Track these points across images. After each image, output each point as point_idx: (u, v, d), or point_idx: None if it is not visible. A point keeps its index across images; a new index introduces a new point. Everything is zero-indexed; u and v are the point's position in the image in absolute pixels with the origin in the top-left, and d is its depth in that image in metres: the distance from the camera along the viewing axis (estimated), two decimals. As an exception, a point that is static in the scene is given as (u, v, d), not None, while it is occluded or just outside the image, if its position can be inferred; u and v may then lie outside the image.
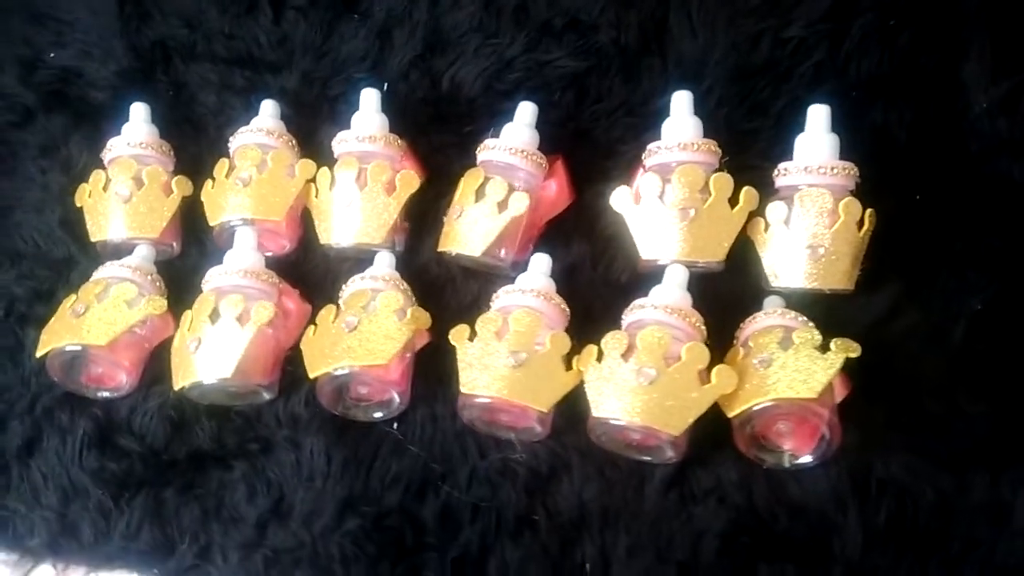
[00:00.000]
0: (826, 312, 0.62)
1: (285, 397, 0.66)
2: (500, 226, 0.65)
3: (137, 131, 0.74)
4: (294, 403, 0.65)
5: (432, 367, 0.65)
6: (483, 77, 0.71)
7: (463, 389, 0.59)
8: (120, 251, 0.73)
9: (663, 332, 0.57)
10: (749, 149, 0.67)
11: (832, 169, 0.62)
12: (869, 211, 0.62)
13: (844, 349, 0.56)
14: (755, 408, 0.56)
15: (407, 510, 0.60)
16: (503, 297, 0.62)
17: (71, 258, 0.76)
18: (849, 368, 0.57)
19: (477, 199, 0.67)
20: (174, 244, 0.75)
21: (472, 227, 0.66)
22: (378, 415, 0.64)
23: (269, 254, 0.72)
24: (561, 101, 0.70)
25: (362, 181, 0.69)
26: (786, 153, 0.64)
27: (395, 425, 0.63)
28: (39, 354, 0.66)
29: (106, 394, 0.68)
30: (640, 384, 0.56)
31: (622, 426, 0.56)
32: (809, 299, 0.63)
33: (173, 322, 0.69)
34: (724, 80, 0.67)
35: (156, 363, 0.69)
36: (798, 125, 0.64)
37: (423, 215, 0.71)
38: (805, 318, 0.61)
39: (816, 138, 0.63)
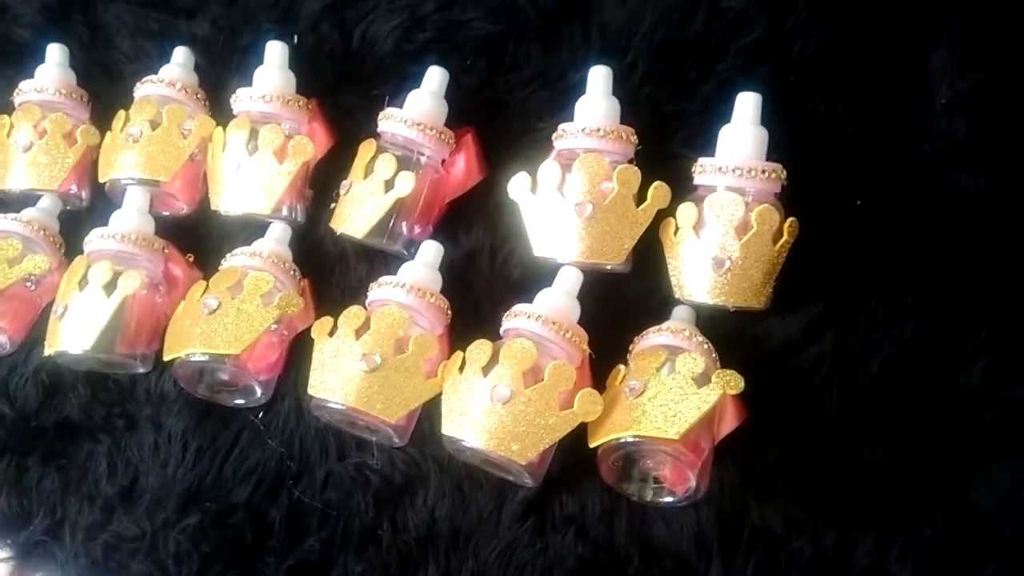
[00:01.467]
0: (737, 330, 0.54)
1: (159, 371, 0.60)
2: (384, 207, 0.58)
3: (49, 75, 0.68)
4: (166, 380, 0.60)
5: (308, 355, 0.58)
6: (394, 35, 0.62)
7: (310, 391, 0.53)
8: (27, 200, 0.68)
9: (527, 347, 0.49)
10: (673, 135, 0.58)
11: (751, 172, 0.52)
12: (790, 221, 0.52)
13: (723, 384, 0.48)
14: (614, 443, 0.48)
15: (254, 508, 0.55)
16: (376, 290, 0.55)
17: (-20, 204, 0.71)
18: (746, 395, 0.49)
19: (366, 175, 0.59)
20: (82, 195, 0.69)
21: (357, 206, 0.59)
22: (240, 402, 0.58)
23: (166, 214, 0.66)
24: (474, 67, 0.62)
25: (253, 145, 0.61)
26: (712, 143, 0.55)
27: (260, 415, 0.58)
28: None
29: (-5, 350, 0.64)
30: (493, 404, 0.49)
31: (468, 448, 0.49)
32: (721, 312, 0.54)
33: (67, 278, 0.64)
34: (650, 55, 0.57)
35: (44, 322, 0.64)
36: (728, 111, 0.54)
37: (328, 184, 0.64)
38: (702, 338, 0.52)
39: (740, 133, 0.53)
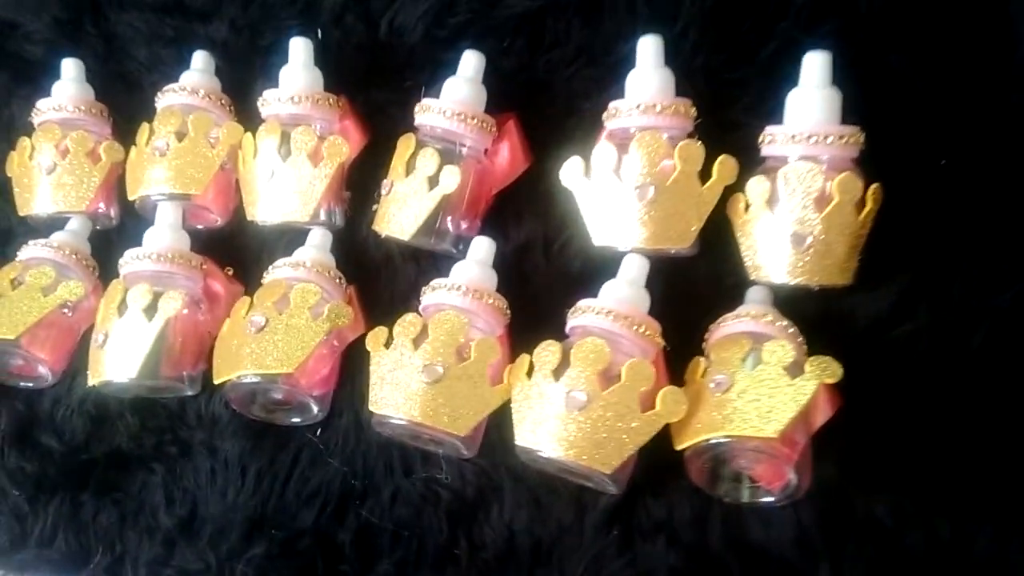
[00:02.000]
0: (821, 308, 0.50)
1: (208, 393, 0.57)
2: (430, 206, 0.54)
3: (66, 92, 0.65)
4: (216, 401, 0.57)
5: (362, 364, 0.54)
6: (423, 21, 0.58)
7: (371, 408, 0.49)
8: (55, 223, 0.65)
9: (600, 346, 0.45)
10: (735, 104, 0.53)
11: (826, 138, 0.47)
12: (873, 187, 0.48)
13: (819, 372, 0.43)
14: (704, 444, 0.44)
15: (322, 532, 0.52)
16: (430, 294, 0.51)
17: (10, 230, 0.68)
18: (838, 380, 0.45)
19: (407, 172, 0.55)
20: (111, 214, 0.65)
21: (401, 206, 0.55)
22: (296, 420, 0.55)
23: (200, 227, 0.63)
24: (512, 48, 0.57)
25: (285, 150, 0.57)
26: (778, 109, 0.50)
27: (317, 432, 0.54)
28: (-52, 347, 0.59)
29: (29, 384, 0.61)
30: (569, 411, 0.45)
31: (548, 459, 0.46)
32: (801, 292, 0.49)
33: (104, 302, 0.60)
34: (702, 19, 0.53)
35: (85, 349, 0.61)
36: (794, 74, 0.49)
37: (366, 184, 0.60)
38: (785, 322, 0.48)
39: (811, 96, 0.49)
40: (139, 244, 0.61)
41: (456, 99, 0.55)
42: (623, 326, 0.47)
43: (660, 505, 0.48)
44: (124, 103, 0.66)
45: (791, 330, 0.48)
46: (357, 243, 0.60)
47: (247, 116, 0.61)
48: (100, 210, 0.65)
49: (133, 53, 0.67)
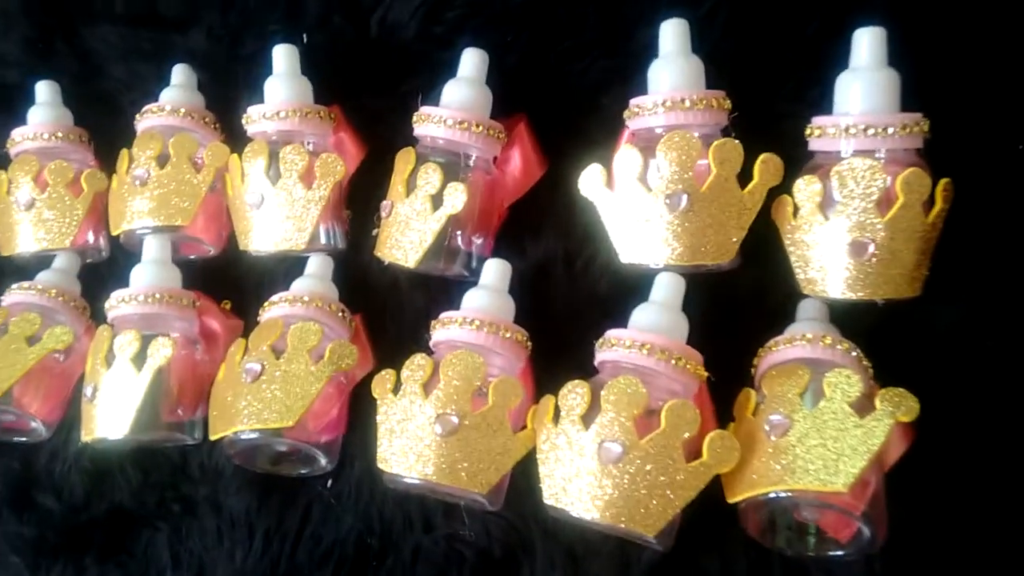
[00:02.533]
0: (881, 324, 0.43)
1: (211, 444, 0.52)
2: (435, 228, 0.48)
3: (42, 117, 0.59)
4: (219, 452, 0.52)
5: (374, 404, 0.49)
6: (417, 17, 0.51)
7: (380, 465, 0.43)
8: (43, 261, 0.60)
9: (635, 387, 0.39)
10: (774, 93, 0.46)
11: (887, 128, 0.40)
12: (943, 183, 0.41)
13: (893, 411, 0.37)
14: (762, 498, 0.38)
15: (337, 599, 0.47)
16: (440, 331, 0.45)
17: (-2, 268, 0.63)
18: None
19: (408, 191, 0.49)
20: (100, 245, 0.60)
21: (404, 230, 0.49)
22: (304, 471, 0.50)
23: (192, 257, 0.57)
24: (517, 42, 0.50)
25: (275, 171, 0.52)
26: (826, 96, 0.43)
27: (328, 484, 0.49)
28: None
29: (23, 440, 0.56)
30: (603, 465, 0.39)
31: (584, 521, 0.40)
32: (860, 306, 0.43)
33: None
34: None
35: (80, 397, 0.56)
36: (843, 55, 0.42)
37: (367, 199, 0.54)
38: (847, 344, 0.41)
39: (864, 79, 0.41)
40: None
41: (458, 104, 0.49)
42: (660, 360, 0.41)
43: (712, 560, 0.42)
44: (104, 125, 0.61)
45: (854, 354, 0.41)
46: (360, 266, 0.54)
47: (234, 134, 0.56)
48: (88, 243, 0.59)
49: (110, 70, 0.61)
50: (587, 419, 0.40)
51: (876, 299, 0.41)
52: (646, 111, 0.44)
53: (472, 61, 0.49)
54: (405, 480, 0.43)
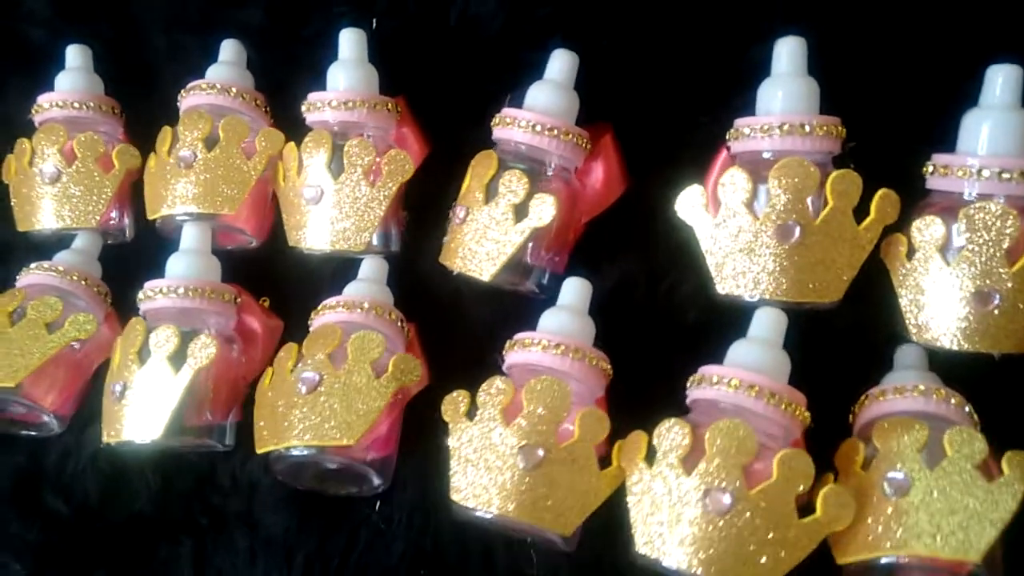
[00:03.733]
0: (987, 380, 0.40)
1: (244, 453, 0.48)
2: (517, 241, 0.44)
3: (72, 84, 0.54)
4: (254, 462, 0.47)
5: (428, 423, 0.45)
6: (504, 12, 0.48)
7: (454, 497, 0.39)
8: (61, 238, 0.55)
9: (746, 433, 0.36)
10: (890, 126, 0.43)
11: (1019, 173, 0.38)
12: (1071, 236, 0.38)
13: (1021, 475, 0.34)
14: (882, 562, 0.35)
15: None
16: (520, 352, 0.42)
17: (8, 243, 0.58)
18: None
19: (488, 198, 0.45)
20: (125, 227, 0.55)
21: (480, 239, 0.45)
22: (352, 491, 0.46)
23: (230, 248, 0.53)
24: (611, 47, 0.47)
25: (337, 165, 0.47)
26: (949, 133, 0.40)
27: (377, 506, 0.45)
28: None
29: (32, 433, 0.51)
30: (708, 515, 0.35)
31: (675, 571, 0.36)
32: (962, 359, 0.40)
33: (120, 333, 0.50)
34: (852, 17, 0.42)
35: (97, 390, 0.51)
36: (973, 91, 0.39)
37: (429, 201, 0.50)
38: (959, 399, 0.38)
39: (998, 120, 0.39)
40: (157, 262, 0.51)
41: (543, 108, 0.45)
42: (769, 404, 0.37)
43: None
44: (139, 99, 0.56)
45: (967, 409, 0.38)
46: (419, 274, 0.50)
47: (283, 120, 0.52)
48: (112, 223, 0.55)
49: (150, 39, 0.56)
50: (687, 463, 0.37)
51: (994, 352, 0.39)
52: (758, 133, 0.41)
53: (562, 63, 0.46)
54: (478, 514, 0.39)
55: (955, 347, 0.39)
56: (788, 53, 0.42)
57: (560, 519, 0.38)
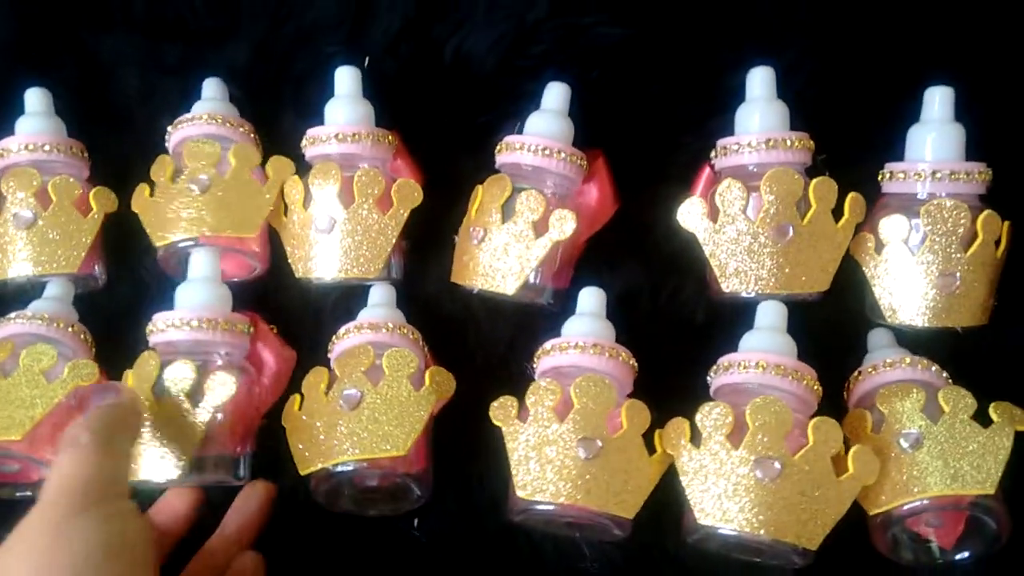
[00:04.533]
0: (950, 350, 0.47)
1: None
2: (539, 255, 0.47)
3: (35, 127, 0.52)
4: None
5: (460, 436, 0.47)
6: (498, 49, 0.51)
7: (521, 493, 0.41)
8: (28, 290, 0.52)
9: (782, 408, 0.40)
10: (847, 139, 0.49)
11: (967, 174, 0.45)
12: (1006, 224, 0.46)
13: (1010, 419, 0.40)
14: (899, 509, 0.40)
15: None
16: (555, 355, 0.44)
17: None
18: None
19: (504, 218, 0.48)
20: (98, 273, 0.53)
21: (501, 256, 0.47)
22: (387, 509, 0.46)
23: (236, 279, 0.52)
24: (600, 80, 0.51)
25: (348, 195, 0.49)
26: (894, 144, 0.47)
27: (415, 522, 0.46)
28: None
29: (27, 494, 0.48)
30: (761, 482, 0.39)
31: (743, 538, 0.40)
32: (927, 335, 0.46)
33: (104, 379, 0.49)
34: (814, 49, 0.49)
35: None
36: (914, 106, 0.47)
37: (427, 231, 0.52)
38: (936, 367, 0.45)
39: (939, 131, 0.46)
40: (130, 306, 0.51)
41: (544, 134, 0.49)
42: (792, 380, 0.42)
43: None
44: (110, 140, 0.55)
45: (945, 375, 0.45)
46: (425, 300, 0.52)
47: (271, 154, 0.52)
48: (93, 271, 0.53)
49: (122, 82, 0.55)
50: (733, 440, 0.41)
51: (957, 327, 0.45)
52: (744, 148, 0.46)
53: (557, 94, 0.50)
54: (540, 508, 0.41)
55: (926, 325, 0.45)
56: (760, 81, 0.47)
57: (623, 503, 0.41)
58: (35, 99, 0.53)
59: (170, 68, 0.55)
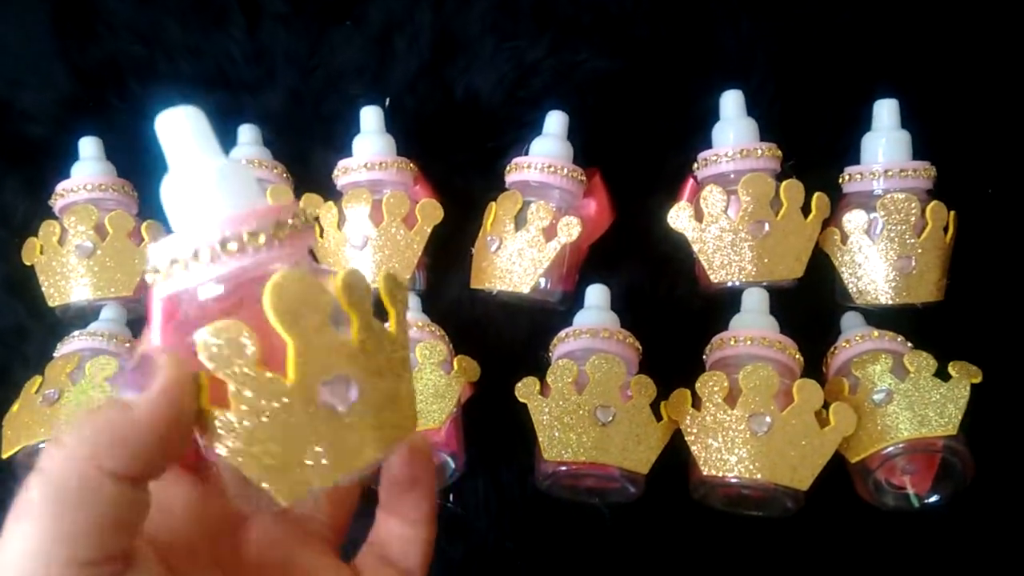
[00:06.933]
0: (912, 325, 0.53)
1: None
2: (549, 257, 0.53)
3: (91, 171, 0.58)
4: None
5: (489, 423, 0.52)
6: (503, 85, 0.58)
7: (546, 455, 0.46)
8: (85, 315, 0.57)
9: (769, 372, 0.46)
10: (809, 147, 0.56)
11: (914, 171, 0.52)
12: (952, 214, 0.52)
13: (966, 374, 0.46)
14: (883, 452, 0.46)
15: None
16: (570, 342, 0.50)
17: (22, 327, 0.59)
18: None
19: (517, 227, 0.54)
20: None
21: (516, 260, 0.53)
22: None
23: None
24: (594, 107, 0.58)
25: (377, 216, 0.55)
26: (851, 149, 0.54)
27: (451, 498, 0.50)
28: (7, 454, 0.50)
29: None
30: (755, 434, 0.45)
31: (742, 484, 0.45)
32: (892, 313, 0.53)
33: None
34: (776, 73, 0.56)
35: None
36: (864, 117, 0.54)
37: (444, 247, 0.58)
38: (901, 338, 0.51)
39: (888, 138, 0.53)
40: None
41: (549, 154, 0.55)
42: (776, 350, 0.48)
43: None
44: (155, 180, 0.60)
45: (909, 344, 0.51)
46: (447, 306, 0.57)
47: (301, 187, 0.58)
48: (137, 295, 0.58)
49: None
50: (729, 402, 0.46)
51: (917, 304, 0.52)
52: (722, 159, 0.53)
53: (557, 120, 0.56)
54: (564, 469, 0.46)
55: (889, 302, 0.52)
56: (732, 101, 0.54)
57: (637, 460, 0.46)
58: (89, 146, 0.59)
59: (210, 114, 0.61)
